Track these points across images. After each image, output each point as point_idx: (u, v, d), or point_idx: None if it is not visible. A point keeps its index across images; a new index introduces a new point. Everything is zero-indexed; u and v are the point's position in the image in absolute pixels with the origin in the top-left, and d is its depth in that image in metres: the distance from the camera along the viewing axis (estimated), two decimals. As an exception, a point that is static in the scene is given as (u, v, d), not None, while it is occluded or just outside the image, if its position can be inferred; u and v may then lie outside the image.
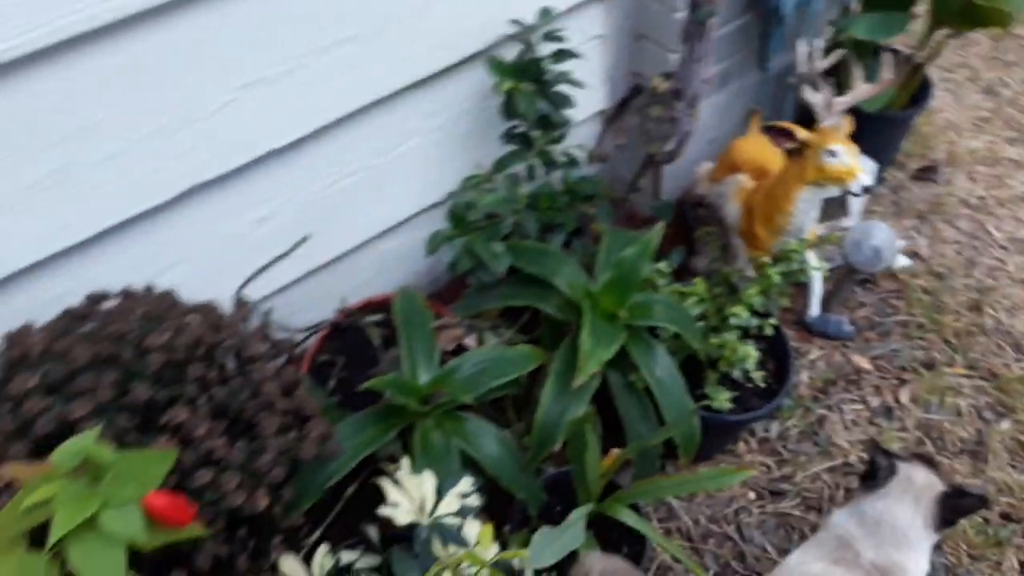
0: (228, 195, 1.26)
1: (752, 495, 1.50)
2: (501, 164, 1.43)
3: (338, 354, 1.33)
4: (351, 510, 1.16)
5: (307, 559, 1.03)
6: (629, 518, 1.12)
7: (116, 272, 1.19)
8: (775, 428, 1.58)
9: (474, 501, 0.98)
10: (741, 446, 1.55)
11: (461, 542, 0.86)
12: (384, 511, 0.90)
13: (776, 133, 1.43)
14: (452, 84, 1.42)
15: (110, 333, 1.00)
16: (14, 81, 0.98)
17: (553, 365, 1.20)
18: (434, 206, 1.54)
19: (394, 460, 1.11)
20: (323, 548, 1.04)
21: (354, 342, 1.35)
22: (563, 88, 1.34)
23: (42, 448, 0.90)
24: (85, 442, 0.84)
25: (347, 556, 1.03)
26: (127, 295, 1.11)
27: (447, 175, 1.50)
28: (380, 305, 1.39)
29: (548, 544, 0.90)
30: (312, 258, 1.40)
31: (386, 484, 0.95)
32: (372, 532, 1.07)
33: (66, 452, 0.83)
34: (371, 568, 1.00)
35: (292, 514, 1.04)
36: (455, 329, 1.34)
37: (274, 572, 1.02)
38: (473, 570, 0.83)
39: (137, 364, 0.98)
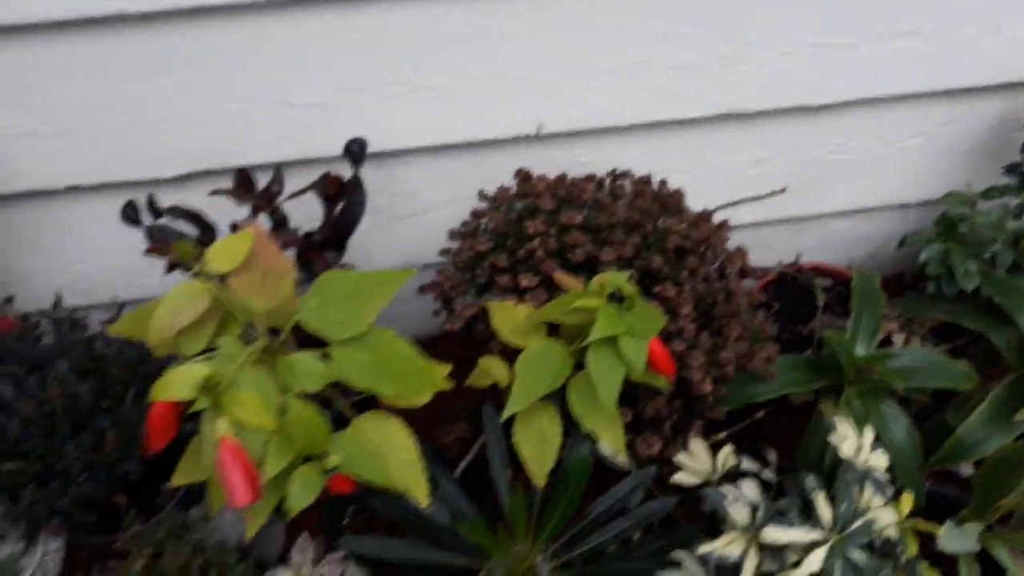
0: (743, 131, 1.42)
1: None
2: (991, 192, 1.44)
3: (776, 301, 1.45)
4: (748, 433, 1.31)
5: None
6: (1005, 559, 1.15)
7: (627, 160, 1.39)
8: None
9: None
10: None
11: (884, 494, 0.96)
12: (832, 439, 1.01)
13: None
14: (977, 103, 1.45)
15: (639, 206, 1.20)
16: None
17: (994, 392, 1.23)
18: (903, 206, 1.59)
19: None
20: (728, 448, 1.19)
21: (793, 296, 1.47)
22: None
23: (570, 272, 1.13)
24: (619, 279, 1.04)
25: (748, 464, 1.17)
26: (645, 180, 1.31)
27: (930, 183, 1.55)
28: (828, 273, 1.49)
29: (953, 536, 0.98)
30: (781, 210, 1.52)
31: (838, 415, 1.07)
32: (771, 455, 1.20)
33: (604, 280, 1.04)
34: (764, 481, 1.13)
35: (716, 408, 1.20)
36: (890, 321, 1.40)
37: (684, 448, 1.19)
38: (887, 525, 0.93)
39: (654, 238, 1.18)
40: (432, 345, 1.30)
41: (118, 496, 1.10)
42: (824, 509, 0.93)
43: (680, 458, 1.17)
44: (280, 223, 1.18)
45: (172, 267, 1.08)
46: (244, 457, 0.70)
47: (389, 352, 0.84)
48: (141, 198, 1.11)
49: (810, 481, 0.95)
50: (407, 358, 0.85)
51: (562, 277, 1.07)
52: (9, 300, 1.32)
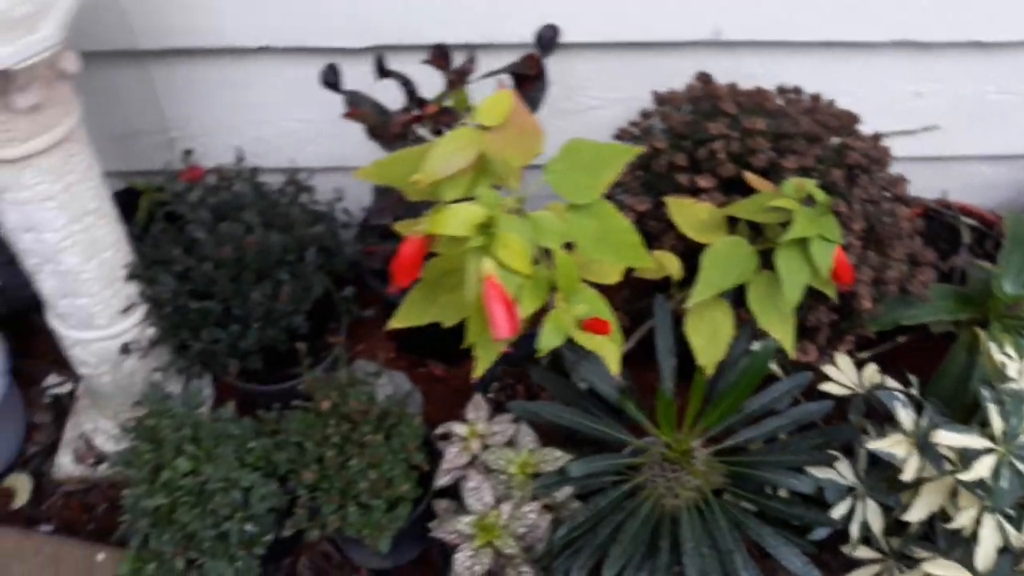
0: (911, 62, 1.42)
1: None
2: None
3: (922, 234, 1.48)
4: (889, 356, 1.35)
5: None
6: None
7: (793, 77, 1.40)
8: None
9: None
10: None
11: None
12: (997, 358, 1.05)
13: None
14: None
15: (819, 120, 1.22)
16: None
17: None
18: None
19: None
20: (873, 365, 1.23)
21: (938, 231, 1.49)
22: None
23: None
24: (809, 184, 1.07)
25: (893, 383, 1.21)
26: (816, 98, 1.32)
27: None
28: (974, 214, 1.50)
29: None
30: (935, 147, 1.53)
31: (992, 343, 1.10)
32: (912, 378, 1.24)
33: (797, 185, 1.07)
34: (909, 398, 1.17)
35: (868, 326, 1.24)
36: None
37: (831, 360, 1.23)
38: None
39: (835, 153, 1.20)
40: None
41: (297, 344, 1.17)
42: (997, 420, 0.97)
43: (828, 368, 1.21)
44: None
45: (373, 132, 1.13)
46: (505, 295, 0.75)
47: (612, 223, 0.88)
48: (319, 66, 1.14)
49: (986, 393, 0.99)
50: (625, 231, 0.89)
51: (753, 178, 1.10)
52: (189, 152, 1.38)
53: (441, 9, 1.27)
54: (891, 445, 1.00)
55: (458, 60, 1.16)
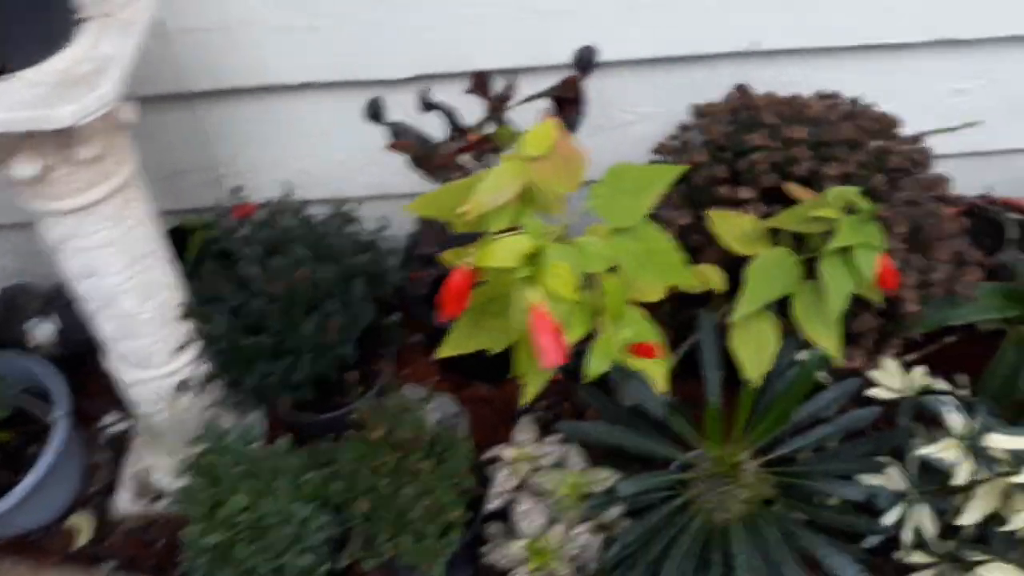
0: (951, 60, 1.41)
1: None
2: None
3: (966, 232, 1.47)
4: (937, 357, 1.34)
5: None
6: None
7: (830, 82, 1.40)
8: None
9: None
10: None
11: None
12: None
13: None
14: None
15: (860, 125, 1.22)
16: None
17: None
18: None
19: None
20: (921, 369, 1.23)
21: (982, 228, 1.48)
22: None
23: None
24: (853, 192, 1.08)
25: (941, 385, 1.20)
26: (855, 102, 1.32)
27: None
28: (1020, 208, 1.49)
29: None
30: (977, 143, 1.52)
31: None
32: (962, 379, 1.23)
33: (840, 193, 1.07)
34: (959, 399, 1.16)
35: (911, 329, 1.24)
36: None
37: (878, 366, 1.23)
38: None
39: (875, 157, 1.20)
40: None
41: (347, 374, 1.20)
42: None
43: (875, 374, 1.21)
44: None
45: (417, 162, 1.15)
46: (553, 323, 0.77)
47: (655, 244, 0.90)
48: (363, 100, 1.17)
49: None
50: (668, 251, 0.91)
51: (794, 188, 1.11)
52: (238, 189, 1.42)
53: (480, 36, 1.30)
54: (941, 450, 1.00)
55: (500, 85, 1.19)
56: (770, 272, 1.06)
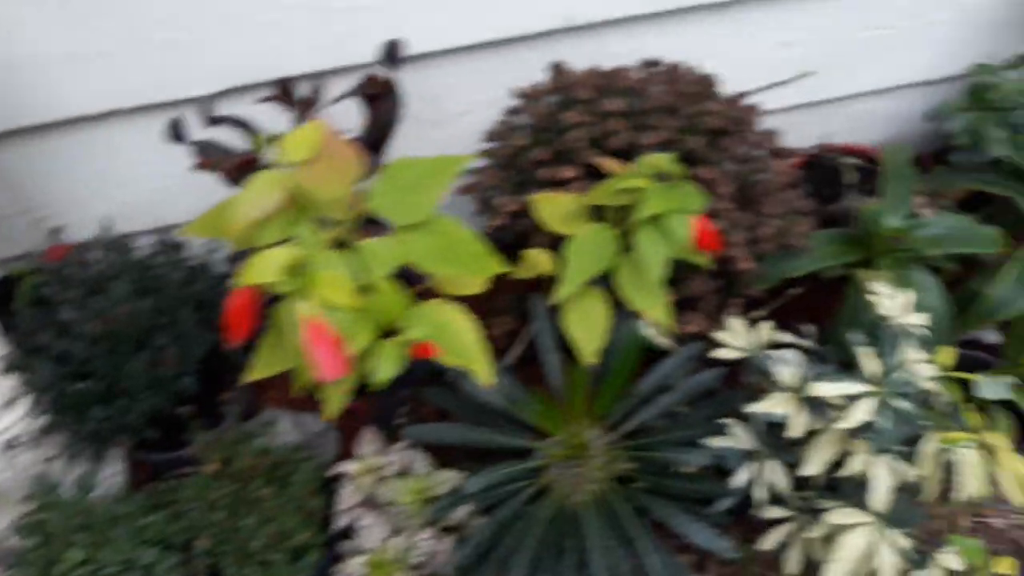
0: (769, 14, 1.42)
1: None
2: (1021, 61, 1.45)
3: (806, 182, 1.48)
4: (785, 310, 1.34)
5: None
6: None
7: (655, 49, 1.40)
8: None
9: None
10: None
11: (923, 349, 1.01)
12: (871, 298, 1.05)
13: None
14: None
15: (676, 90, 1.22)
16: None
17: (1018, 253, 1.26)
18: (933, 82, 1.60)
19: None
20: (767, 323, 1.23)
21: (822, 177, 1.49)
22: None
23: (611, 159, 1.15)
24: (662, 159, 1.07)
25: (787, 337, 1.21)
26: (677, 67, 1.32)
27: (958, 56, 1.55)
28: (858, 153, 1.51)
29: (988, 385, 1.03)
30: (812, 93, 1.53)
31: (874, 281, 1.10)
32: (809, 329, 1.24)
33: (650, 161, 1.06)
34: (805, 350, 1.16)
35: (753, 286, 1.24)
36: (919, 196, 1.43)
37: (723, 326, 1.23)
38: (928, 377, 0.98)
39: (693, 121, 1.19)
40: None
41: (181, 409, 1.15)
42: (869, 363, 0.97)
43: (720, 335, 1.21)
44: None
45: (234, 180, 1.10)
46: (330, 334, 0.73)
47: (452, 236, 0.87)
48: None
49: (855, 338, 0.99)
50: (468, 242, 0.88)
51: (604, 161, 1.09)
52: (57, 231, 1.35)
53: (284, 42, 1.25)
54: (773, 405, 1.00)
55: (306, 90, 1.15)
56: (589, 249, 1.04)
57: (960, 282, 1.37)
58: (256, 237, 0.78)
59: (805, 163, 1.52)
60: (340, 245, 0.79)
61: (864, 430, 0.94)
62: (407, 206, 0.83)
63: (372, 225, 0.86)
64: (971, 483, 0.96)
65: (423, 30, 1.27)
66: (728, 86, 1.34)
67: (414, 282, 0.96)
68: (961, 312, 1.29)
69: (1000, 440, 0.96)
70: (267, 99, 1.12)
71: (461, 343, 0.91)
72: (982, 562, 0.97)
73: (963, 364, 1.29)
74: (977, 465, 0.94)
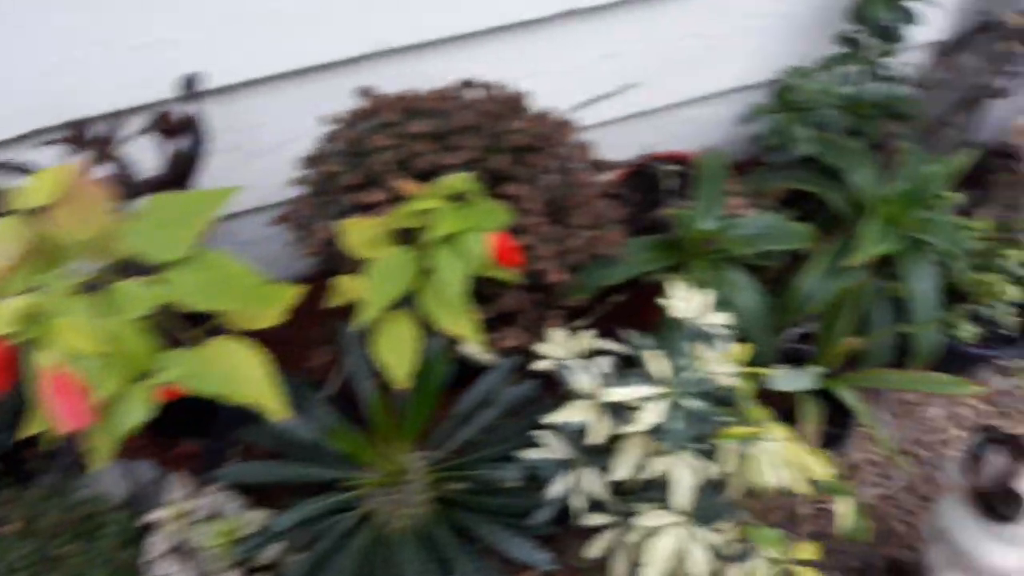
0: (588, 28, 1.45)
1: (963, 435, 1.56)
2: (831, 62, 1.51)
3: (632, 191, 1.51)
4: (609, 318, 1.37)
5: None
6: (849, 397, 1.24)
7: (475, 70, 1.41)
8: (1011, 382, 1.61)
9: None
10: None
11: (719, 347, 1.04)
12: (664, 302, 1.08)
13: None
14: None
15: (482, 110, 1.23)
16: None
17: (825, 246, 1.31)
18: (751, 87, 1.66)
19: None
20: (586, 332, 1.25)
21: (648, 185, 1.53)
22: (915, 5, 1.40)
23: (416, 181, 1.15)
24: (456, 180, 1.08)
25: (607, 345, 1.22)
26: (491, 86, 1.33)
27: (772, 60, 1.61)
28: (679, 159, 1.55)
29: (787, 377, 1.06)
30: (637, 104, 1.57)
31: (673, 283, 1.13)
32: (630, 335, 1.26)
33: (447, 182, 1.07)
34: (624, 355, 1.19)
35: (572, 296, 1.26)
36: (738, 198, 1.48)
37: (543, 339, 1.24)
38: (722, 374, 1.01)
39: (499, 139, 1.21)
40: (306, 282, 1.32)
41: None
42: (654, 364, 0.99)
43: (540, 347, 1.22)
44: (122, 170, 1.18)
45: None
46: (73, 384, 0.71)
47: (223, 271, 0.86)
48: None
49: (638, 340, 1.01)
50: (242, 275, 0.87)
51: (404, 184, 1.10)
52: None
53: (84, 81, 1.21)
54: (571, 413, 1.01)
55: (101, 129, 1.12)
56: (389, 272, 1.04)
57: (783, 281, 1.42)
58: (1, 287, 0.76)
59: (632, 173, 1.55)
60: (93, 289, 0.77)
61: (656, 431, 0.96)
62: (164, 242, 0.82)
63: (137, 267, 0.83)
64: (767, 475, 0.98)
65: (233, 60, 1.26)
66: (553, 101, 1.37)
67: (200, 321, 0.94)
68: (782, 308, 1.34)
69: (786, 432, 0.99)
70: (54, 141, 1.09)
71: (248, 379, 0.89)
72: (781, 550, 1.00)
73: (785, 357, 1.34)
74: (766, 458, 0.97)
